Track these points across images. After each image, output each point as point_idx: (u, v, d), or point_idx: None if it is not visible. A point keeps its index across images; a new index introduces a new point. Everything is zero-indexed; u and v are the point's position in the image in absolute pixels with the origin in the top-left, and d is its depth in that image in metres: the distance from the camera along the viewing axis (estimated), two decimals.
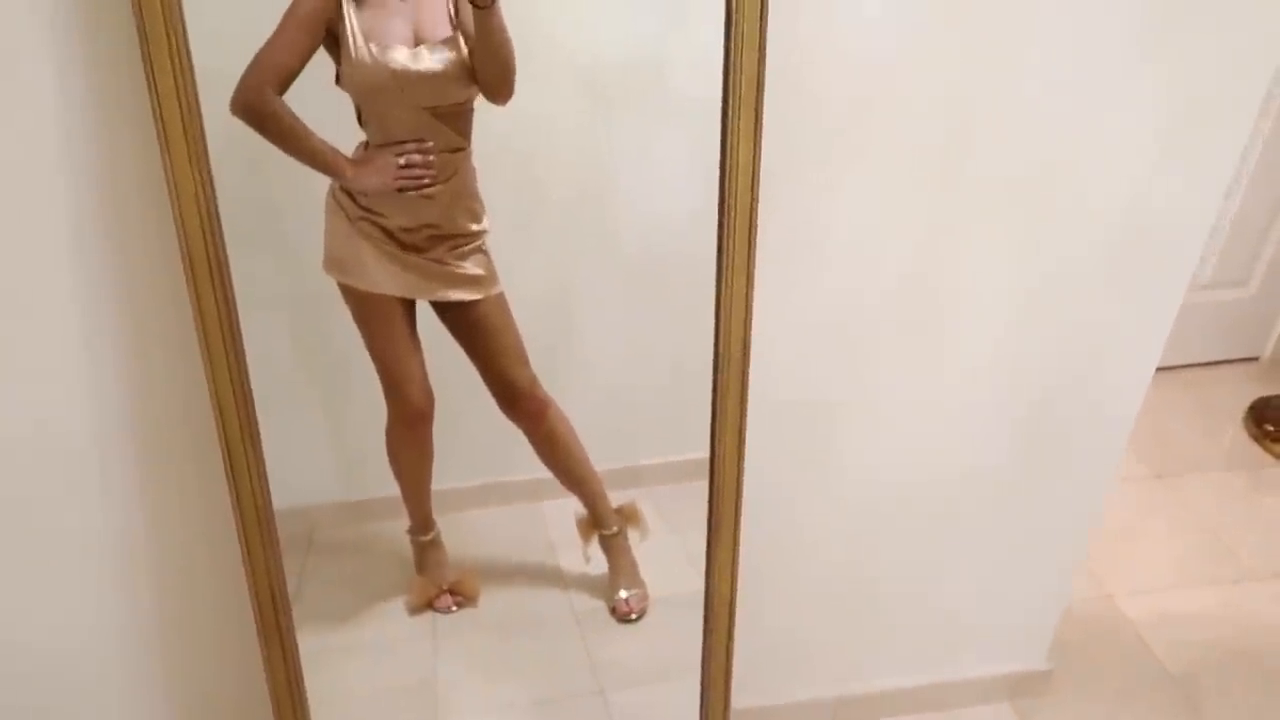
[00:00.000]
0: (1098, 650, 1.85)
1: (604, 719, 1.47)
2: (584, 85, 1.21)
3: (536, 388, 1.28)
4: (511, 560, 1.52)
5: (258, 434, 1.12)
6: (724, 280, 1.13)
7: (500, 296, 1.20)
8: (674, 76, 1.14)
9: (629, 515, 1.40)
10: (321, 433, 1.36)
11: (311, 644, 1.33)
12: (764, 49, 1.01)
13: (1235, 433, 2.53)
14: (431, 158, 1.09)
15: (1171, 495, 2.30)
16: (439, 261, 1.16)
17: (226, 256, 1.01)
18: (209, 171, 0.97)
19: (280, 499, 1.23)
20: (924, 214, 1.25)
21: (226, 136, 1.02)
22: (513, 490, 1.49)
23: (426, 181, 1.10)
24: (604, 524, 1.40)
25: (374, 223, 1.13)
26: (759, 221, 1.10)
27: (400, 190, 1.10)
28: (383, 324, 1.19)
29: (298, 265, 1.22)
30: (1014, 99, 1.18)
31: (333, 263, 1.17)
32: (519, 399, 1.27)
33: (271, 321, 1.20)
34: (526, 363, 1.26)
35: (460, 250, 1.17)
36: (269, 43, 1.00)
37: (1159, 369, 2.75)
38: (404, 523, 1.44)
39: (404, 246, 1.15)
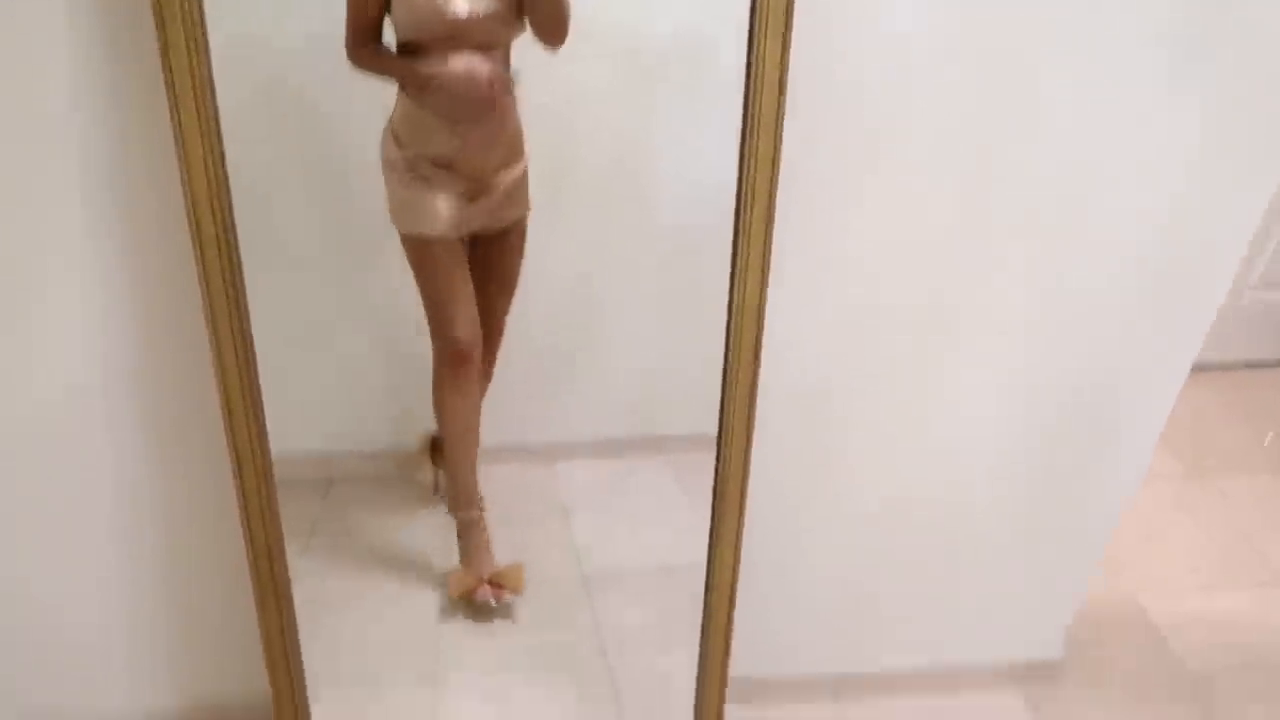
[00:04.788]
0: (1115, 645, 1.83)
1: (604, 681, 1.50)
2: (628, 61, 1.26)
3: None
4: (523, 519, 1.56)
5: (258, 387, 1.14)
6: (737, 279, 1.13)
7: (525, 223, 1.33)
8: (720, 55, 1.16)
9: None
10: (346, 383, 1.42)
11: (316, 591, 1.38)
12: (789, 38, 1.00)
13: (1276, 435, 2.47)
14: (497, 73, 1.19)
15: (1203, 495, 2.26)
16: (492, 184, 1.28)
17: (233, 220, 1.05)
18: (218, 137, 1.01)
19: (300, 444, 1.28)
20: (947, 225, 1.26)
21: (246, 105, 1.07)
22: (528, 451, 1.54)
23: (493, 94, 1.21)
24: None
25: (430, 163, 1.24)
26: (775, 218, 1.09)
27: (468, 102, 1.21)
28: (440, 264, 1.30)
29: (325, 224, 1.30)
30: (1039, 117, 1.19)
31: (398, 213, 1.27)
32: (493, 338, 1.40)
33: (306, 280, 1.29)
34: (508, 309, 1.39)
35: (511, 172, 1.29)
36: (349, 9, 1.14)
37: (1200, 369, 2.68)
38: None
39: (461, 176, 1.25)
